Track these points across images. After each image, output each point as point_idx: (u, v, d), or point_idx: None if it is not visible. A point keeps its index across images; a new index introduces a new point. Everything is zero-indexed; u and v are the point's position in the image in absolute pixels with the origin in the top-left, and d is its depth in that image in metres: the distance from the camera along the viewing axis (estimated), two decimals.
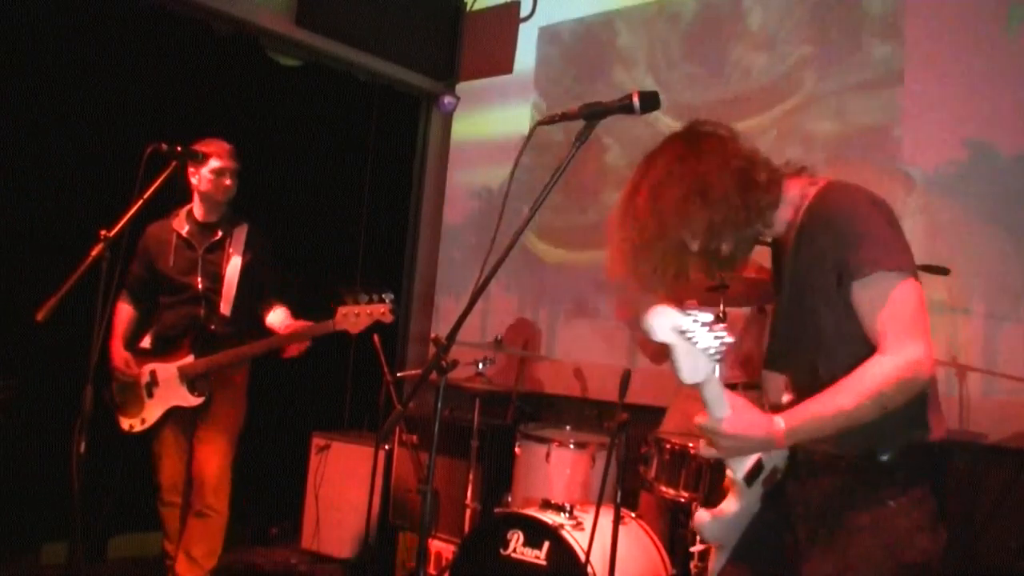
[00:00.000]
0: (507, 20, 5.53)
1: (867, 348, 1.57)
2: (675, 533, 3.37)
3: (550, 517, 3.00)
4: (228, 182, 3.40)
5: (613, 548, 2.79)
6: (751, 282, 3.10)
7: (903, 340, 1.53)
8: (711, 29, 4.74)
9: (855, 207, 1.64)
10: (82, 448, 2.55)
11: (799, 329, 1.73)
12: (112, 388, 3.37)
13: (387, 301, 3.12)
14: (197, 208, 3.45)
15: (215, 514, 3.31)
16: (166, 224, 3.44)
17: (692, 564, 2.90)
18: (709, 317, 1.43)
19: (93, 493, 2.76)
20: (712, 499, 1.83)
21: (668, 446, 3.09)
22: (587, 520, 2.94)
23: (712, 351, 1.44)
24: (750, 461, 1.68)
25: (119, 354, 3.36)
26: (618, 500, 2.86)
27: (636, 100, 1.81)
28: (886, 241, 1.59)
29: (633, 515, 3.22)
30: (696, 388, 1.49)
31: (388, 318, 3.11)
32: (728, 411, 1.53)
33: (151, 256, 3.42)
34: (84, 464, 2.55)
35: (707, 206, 1.64)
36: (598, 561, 2.84)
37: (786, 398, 1.70)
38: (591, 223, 4.99)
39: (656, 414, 3.67)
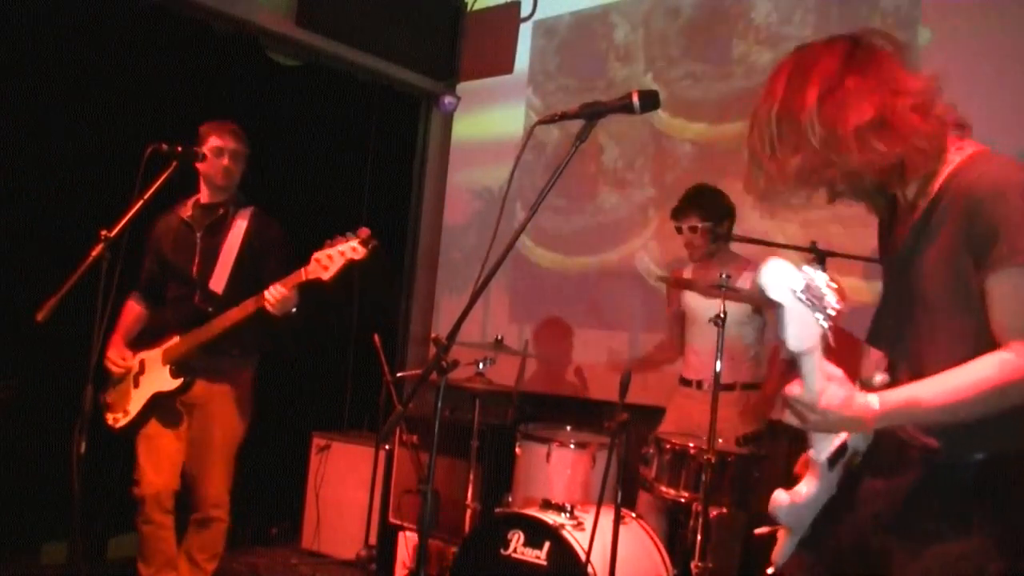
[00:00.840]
0: (507, 20, 5.53)
1: (986, 344, 1.43)
2: (675, 533, 3.37)
3: (550, 517, 3.00)
4: (226, 162, 3.19)
5: (614, 548, 2.79)
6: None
7: None
8: (713, 22, 4.66)
9: (1010, 188, 1.43)
10: (82, 448, 2.54)
11: (909, 308, 1.57)
12: (107, 389, 3.23)
13: (360, 235, 2.82)
14: (202, 193, 3.31)
15: (217, 521, 3.20)
16: (173, 213, 3.32)
17: (692, 564, 2.90)
18: (825, 278, 1.31)
19: (93, 493, 2.75)
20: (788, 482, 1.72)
21: (668, 446, 3.09)
22: (587, 520, 2.94)
23: (822, 318, 1.31)
24: (835, 442, 1.58)
25: (115, 348, 3.21)
26: (618, 500, 2.87)
27: (636, 99, 1.80)
28: None
29: (634, 515, 3.22)
30: (799, 356, 1.35)
31: (359, 253, 2.81)
32: (824, 384, 1.38)
33: (159, 246, 3.30)
34: (84, 464, 2.55)
35: (894, 141, 1.43)
36: (598, 561, 2.84)
37: (879, 378, 1.57)
38: (589, 226, 4.99)
39: (656, 414, 3.67)
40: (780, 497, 1.65)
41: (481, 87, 5.64)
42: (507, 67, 5.49)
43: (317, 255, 2.85)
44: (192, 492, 3.20)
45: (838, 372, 1.39)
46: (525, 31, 5.52)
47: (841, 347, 1.40)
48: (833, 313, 1.32)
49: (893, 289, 1.66)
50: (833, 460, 1.60)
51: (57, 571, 3.73)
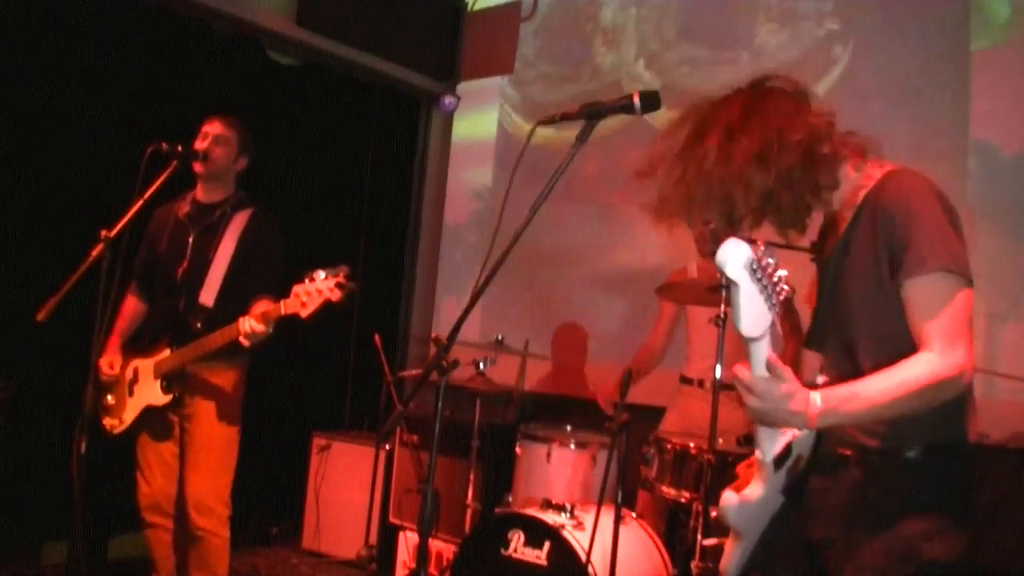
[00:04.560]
0: (508, 20, 5.52)
1: (910, 343, 1.56)
2: (675, 533, 3.37)
3: (551, 517, 3.00)
4: (207, 145, 3.08)
5: (614, 548, 2.79)
6: None
7: (953, 342, 1.51)
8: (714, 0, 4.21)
9: (921, 200, 1.59)
10: (82, 448, 2.54)
11: (841, 313, 1.71)
12: (104, 391, 3.16)
13: (339, 275, 2.73)
14: (199, 188, 3.21)
15: (210, 536, 3.04)
16: (171, 207, 3.22)
17: (692, 564, 2.89)
18: (776, 259, 1.37)
19: (93, 493, 2.75)
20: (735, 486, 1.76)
21: (669, 446, 3.09)
22: (588, 520, 2.94)
23: (774, 300, 1.36)
24: (780, 442, 1.64)
25: (107, 354, 3.14)
26: (619, 500, 2.87)
27: (636, 100, 1.80)
28: (948, 241, 1.55)
29: (634, 515, 3.22)
30: (748, 342, 1.41)
31: (335, 295, 2.72)
32: (769, 373, 1.46)
33: (152, 240, 3.23)
34: (84, 464, 2.55)
35: (765, 173, 1.58)
36: (599, 561, 2.84)
37: (821, 379, 1.65)
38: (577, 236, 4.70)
39: (656, 414, 3.67)
40: (729, 498, 1.71)
41: (481, 87, 5.64)
42: (507, 67, 5.49)
43: (297, 289, 2.76)
44: (178, 497, 3.11)
45: (787, 368, 1.47)
46: None
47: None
48: (783, 298, 1.37)
49: (825, 295, 1.79)
50: (779, 461, 1.65)
51: (57, 571, 3.73)
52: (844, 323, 1.70)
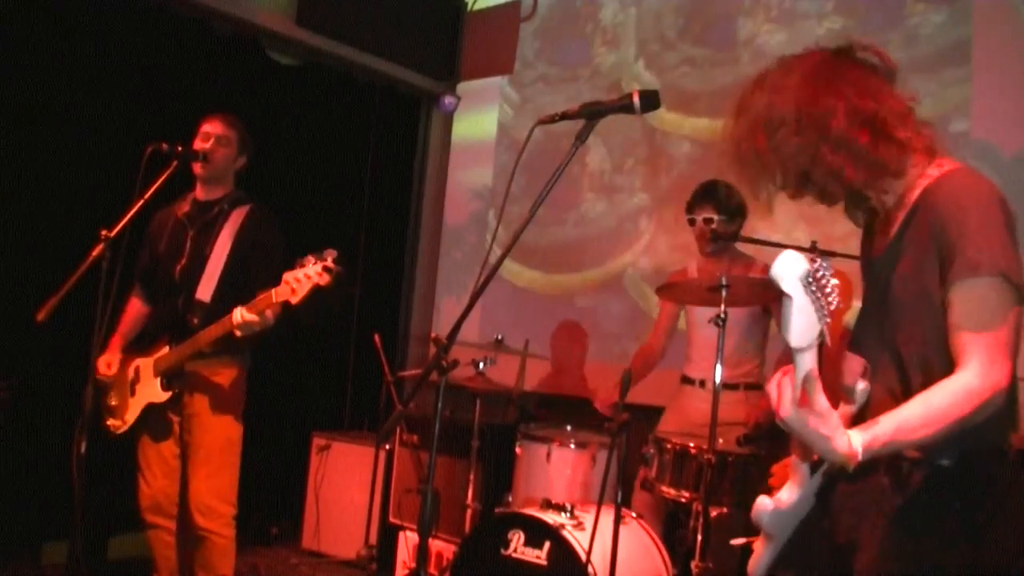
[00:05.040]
0: (508, 20, 5.52)
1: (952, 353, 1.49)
2: (675, 533, 3.37)
3: (551, 517, 3.00)
4: (208, 145, 3.09)
5: (614, 548, 2.79)
6: (754, 283, 3.10)
7: (993, 359, 1.43)
8: (714, 0, 4.17)
9: (981, 201, 1.50)
10: (82, 448, 2.54)
11: (888, 319, 1.62)
12: (107, 392, 3.16)
13: (327, 259, 2.71)
14: (198, 188, 3.21)
15: (214, 536, 3.02)
16: (171, 208, 3.22)
17: (692, 564, 2.89)
18: (830, 270, 1.33)
19: (93, 493, 2.75)
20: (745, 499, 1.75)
21: (669, 446, 3.09)
22: (588, 520, 2.94)
23: (825, 311, 1.33)
24: None
25: (107, 354, 3.13)
26: (619, 500, 2.86)
27: (636, 100, 1.80)
28: (1005, 246, 1.46)
29: (634, 515, 3.22)
30: (796, 352, 1.36)
31: (324, 279, 2.71)
32: (804, 387, 1.40)
33: (152, 241, 3.23)
34: (84, 464, 2.54)
35: (815, 133, 1.52)
36: (599, 561, 2.84)
37: (862, 385, 1.60)
38: (571, 239, 4.61)
39: (656, 414, 3.67)
40: (764, 503, 1.68)
41: (481, 87, 5.64)
42: (507, 67, 5.49)
43: (287, 276, 2.75)
44: (180, 497, 3.10)
45: (826, 405, 1.41)
46: None
47: (835, 349, 1.46)
48: (832, 310, 1.33)
49: (872, 297, 1.71)
50: (815, 466, 1.64)
51: (57, 571, 3.73)
52: (892, 329, 1.62)
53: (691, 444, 3.05)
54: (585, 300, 4.89)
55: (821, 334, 1.35)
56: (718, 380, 2.96)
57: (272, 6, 4.76)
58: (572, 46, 4.82)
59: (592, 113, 1.84)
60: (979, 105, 3.72)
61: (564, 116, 1.88)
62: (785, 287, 1.31)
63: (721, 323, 2.96)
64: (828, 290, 1.33)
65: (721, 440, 2.99)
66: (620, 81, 4.77)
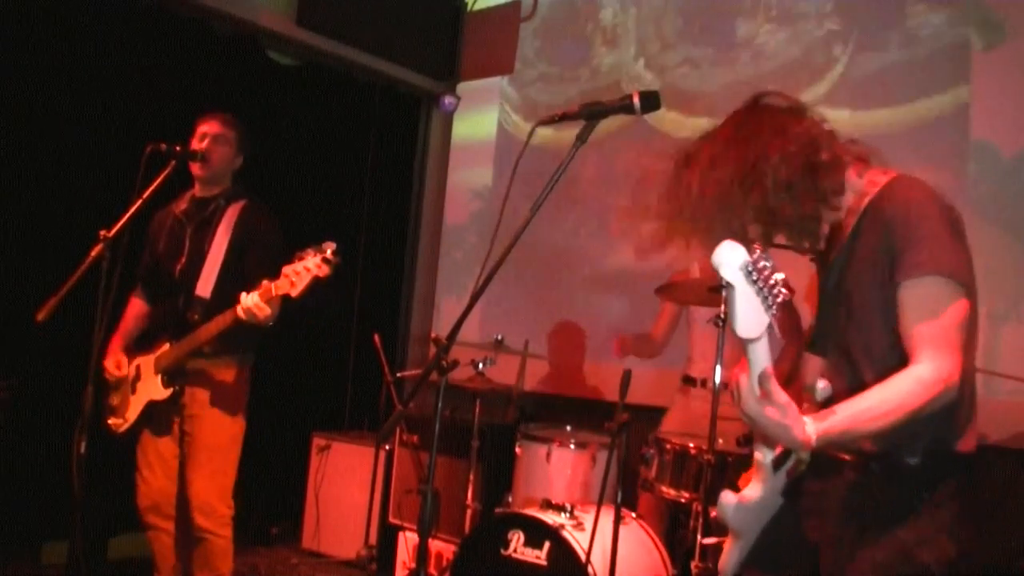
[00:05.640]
0: (508, 20, 5.52)
1: (903, 348, 1.56)
2: (675, 534, 3.37)
3: (551, 517, 3.00)
4: (207, 145, 3.10)
5: (614, 548, 2.79)
6: None
7: (940, 350, 1.50)
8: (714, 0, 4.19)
9: (924, 206, 1.59)
10: (82, 448, 2.54)
11: (842, 318, 1.71)
12: (109, 392, 3.17)
13: (326, 251, 2.70)
14: (196, 187, 3.22)
15: (213, 536, 3.02)
16: (169, 208, 3.23)
17: (692, 564, 2.89)
18: (772, 261, 1.37)
19: (93, 493, 2.75)
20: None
21: (669, 446, 3.09)
22: (588, 520, 2.94)
23: (771, 302, 1.36)
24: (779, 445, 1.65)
25: (112, 355, 3.16)
26: (619, 500, 2.87)
27: (636, 100, 1.80)
28: (948, 247, 1.55)
29: (634, 515, 3.22)
30: (746, 344, 1.40)
31: (323, 271, 2.70)
32: (760, 386, 1.45)
33: (152, 241, 3.24)
34: (84, 464, 2.54)
35: (752, 193, 1.59)
36: (599, 561, 2.84)
37: (821, 383, 1.67)
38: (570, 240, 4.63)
39: (656, 414, 3.67)
40: (728, 498, 1.71)
41: (481, 87, 5.64)
42: (507, 67, 5.49)
43: (286, 269, 2.75)
44: (180, 496, 3.10)
45: (777, 391, 1.45)
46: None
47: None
48: (781, 301, 1.36)
49: (827, 301, 1.79)
50: (778, 463, 1.65)
51: (57, 571, 3.73)
52: (845, 330, 1.70)
53: (691, 444, 3.06)
54: (585, 300, 4.89)
55: (770, 326, 1.38)
56: (718, 380, 2.96)
57: (272, 6, 4.76)
58: (572, 46, 4.82)
59: (592, 113, 1.85)
60: (979, 105, 3.72)
61: (564, 117, 1.88)
62: (725, 275, 1.34)
63: (722, 323, 2.96)
64: (772, 282, 1.36)
65: (721, 440, 2.99)
66: (620, 81, 4.77)
